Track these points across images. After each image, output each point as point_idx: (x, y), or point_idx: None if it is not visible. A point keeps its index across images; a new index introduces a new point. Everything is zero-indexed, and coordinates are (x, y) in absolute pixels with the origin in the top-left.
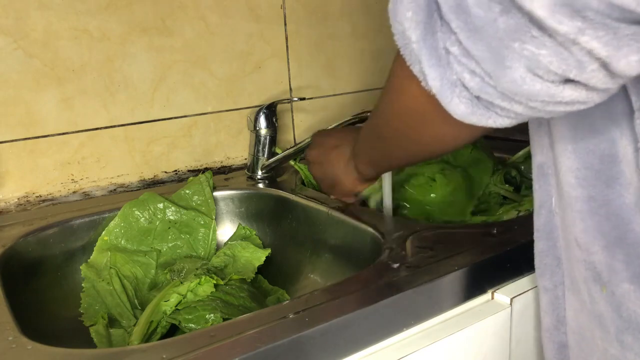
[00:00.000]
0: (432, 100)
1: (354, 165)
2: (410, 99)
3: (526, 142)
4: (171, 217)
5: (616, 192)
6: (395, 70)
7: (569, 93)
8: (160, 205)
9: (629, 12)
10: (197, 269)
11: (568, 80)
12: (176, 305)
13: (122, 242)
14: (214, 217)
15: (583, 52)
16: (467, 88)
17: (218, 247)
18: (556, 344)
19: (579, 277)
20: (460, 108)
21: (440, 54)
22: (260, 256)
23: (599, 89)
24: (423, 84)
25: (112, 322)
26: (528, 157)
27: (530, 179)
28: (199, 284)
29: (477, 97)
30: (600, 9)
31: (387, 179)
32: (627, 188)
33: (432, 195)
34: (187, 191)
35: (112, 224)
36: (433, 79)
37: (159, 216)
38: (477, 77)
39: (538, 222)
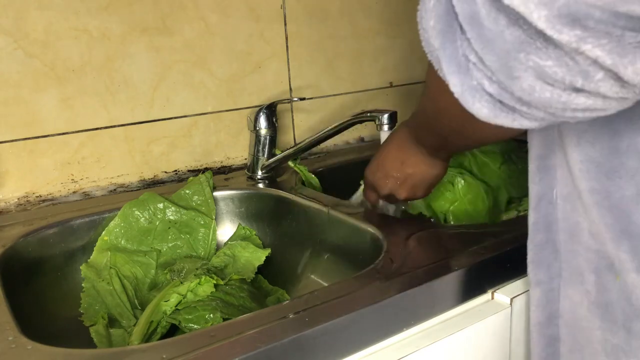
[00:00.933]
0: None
1: (429, 154)
2: (446, 100)
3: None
4: (171, 217)
5: (616, 184)
6: (430, 73)
7: (582, 100)
8: (160, 205)
9: (636, 20)
10: (197, 269)
11: (578, 89)
12: (176, 305)
13: (122, 242)
14: (214, 217)
15: (588, 61)
16: (488, 93)
17: (218, 247)
18: (546, 338)
19: (587, 267)
20: (483, 111)
21: (460, 61)
22: (260, 256)
23: (613, 98)
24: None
25: (112, 322)
26: None
27: None
28: (199, 284)
29: (500, 101)
30: (603, 18)
31: None
32: (628, 180)
33: (448, 201)
34: (187, 191)
35: (112, 224)
36: (454, 85)
37: (159, 216)
38: (494, 83)
39: (537, 214)
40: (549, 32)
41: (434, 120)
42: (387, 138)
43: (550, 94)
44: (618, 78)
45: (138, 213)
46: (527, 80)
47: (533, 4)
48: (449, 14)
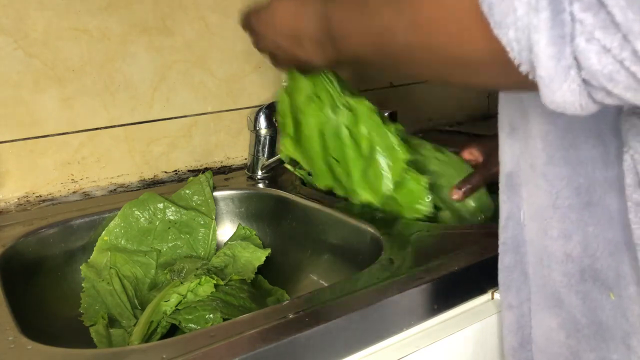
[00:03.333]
0: (501, 58)
1: (329, 30)
2: (464, 47)
3: None
4: (171, 217)
5: (612, 197)
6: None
7: None
8: (160, 205)
9: None
10: (197, 269)
11: None
12: (176, 306)
13: (122, 242)
14: (214, 217)
15: None
16: (583, 69)
17: (218, 247)
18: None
19: (567, 290)
20: (566, 97)
21: (565, 20)
22: (260, 256)
23: None
24: (517, 60)
25: (112, 322)
26: None
27: None
28: (199, 284)
29: (586, 82)
30: None
31: None
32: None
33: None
34: (187, 191)
35: (112, 224)
36: (549, 58)
37: (159, 216)
38: (610, 58)
39: (504, 235)
40: None
41: (400, 33)
42: None
43: None
44: None
45: (138, 213)
46: None
47: None
48: None
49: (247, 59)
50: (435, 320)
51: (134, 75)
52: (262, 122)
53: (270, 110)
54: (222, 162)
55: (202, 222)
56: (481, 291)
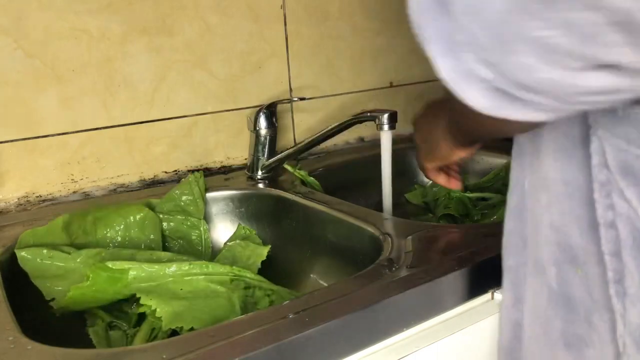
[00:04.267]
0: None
1: (449, 132)
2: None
3: None
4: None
5: (586, 174)
6: None
7: (594, 78)
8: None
9: None
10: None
11: (600, 66)
12: None
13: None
14: (201, 217)
15: (609, 15)
16: (484, 80)
17: (216, 246)
18: (512, 322)
19: (548, 259)
20: (481, 101)
21: (449, 41)
22: (262, 252)
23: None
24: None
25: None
26: None
27: None
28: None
29: (501, 89)
30: None
31: (387, 180)
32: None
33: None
34: (177, 191)
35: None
36: (444, 69)
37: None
38: (490, 66)
39: (511, 201)
40: None
41: (463, 122)
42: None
43: (559, 75)
44: None
45: None
46: (525, 56)
47: None
48: None
49: (247, 59)
50: (435, 320)
51: (134, 75)
52: (262, 122)
53: (270, 110)
54: (222, 162)
55: (190, 224)
56: (481, 291)
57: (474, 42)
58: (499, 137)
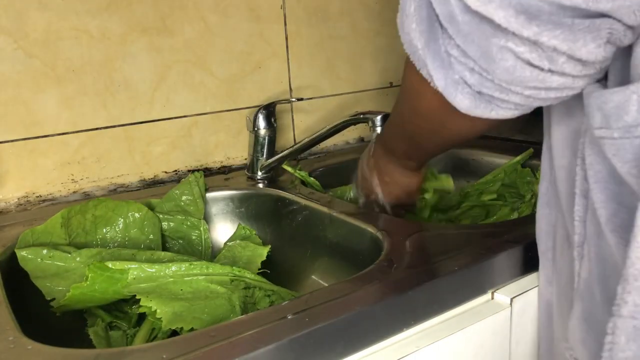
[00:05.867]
0: (443, 98)
1: (402, 158)
2: (425, 99)
3: (527, 143)
4: (162, 227)
5: (571, 157)
6: (408, 75)
7: (556, 79)
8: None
9: (579, 10)
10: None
11: (550, 70)
12: None
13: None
14: (201, 217)
15: (550, 49)
16: (469, 85)
17: (216, 246)
18: (545, 302)
19: (563, 242)
20: (464, 103)
21: (443, 57)
22: (262, 252)
23: (579, 76)
24: (432, 84)
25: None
26: None
27: None
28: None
29: (479, 92)
30: (552, 11)
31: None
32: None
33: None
34: (177, 191)
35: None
36: (438, 79)
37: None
38: (476, 73)
39: (542, 187)
40: (512, 28)
41: (409, 124)
42: (363, 154)
43: (530, 72)
44: (577, 60)
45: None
46: (508, 61)
47: (492, 6)
48: (430, 16)
49: (247, 59)
50: (435, 320)
51: (134, 75)
52: (261, 122)
53: (268, 110)
54: (222, 162)
55: (190, 224)
56: (481, 291)
57: (466, 56)
58: (450, 145)
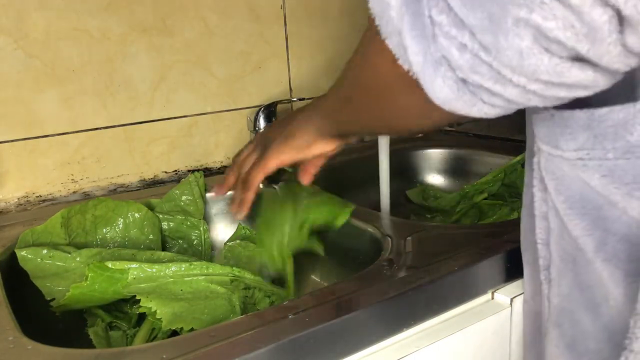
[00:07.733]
0: (402, 79)
1: (318, 120)
2: (376, 76)
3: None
4: (162, 227)
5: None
6: (364, 43)
7: (575, 73)
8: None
9: None
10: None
11: (578, 59)
12: None
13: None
14: (201, 217)
15: (605, 17)
16: (453, 68)
17: (216, 246)
18: (532, 314)
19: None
20: (443, 91)
21: (425, 24)
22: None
23: (608, 70)
24: (401, 61)
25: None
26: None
27: None
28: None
29: (464, 80)
30: None
31: (384, 180)
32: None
33: None
34: (177, 191)
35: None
36: (415, 53)
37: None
38: (467, 52)
39: (525, 199)
40: None
41: (350, 93)
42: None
43: (549, 60)
44: (627, 42)
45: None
46: (523, 40)
47: None
48: None
49: (247, 59)
50: (435, 320)
51: (134, 75)
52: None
53: (270, 110)
54: (222, 162)
55: (190, 224)
56: (481, 291)
57: (462, 25)
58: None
